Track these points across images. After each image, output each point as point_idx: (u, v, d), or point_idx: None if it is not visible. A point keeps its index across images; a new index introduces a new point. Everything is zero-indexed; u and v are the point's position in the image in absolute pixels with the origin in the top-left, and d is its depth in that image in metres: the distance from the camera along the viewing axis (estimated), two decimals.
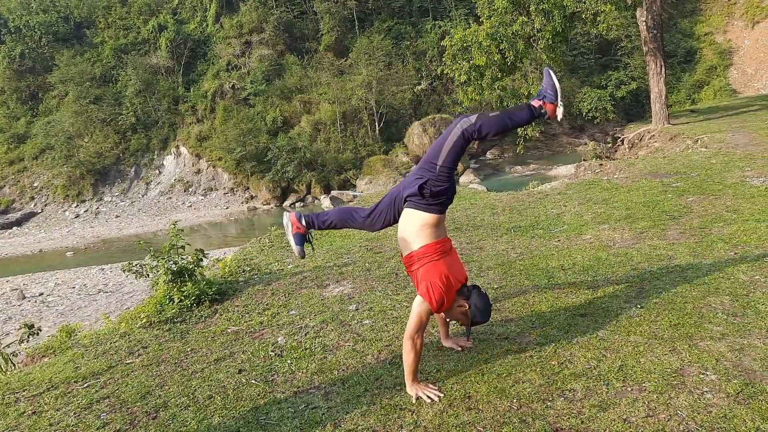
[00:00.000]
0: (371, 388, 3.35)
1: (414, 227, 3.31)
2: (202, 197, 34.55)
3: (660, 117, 19.83)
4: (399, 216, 3.49)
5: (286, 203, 31.65)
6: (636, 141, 20.43)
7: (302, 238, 3.72)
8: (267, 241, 8.27)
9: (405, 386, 3.25)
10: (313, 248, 3.92)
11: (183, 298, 5.31)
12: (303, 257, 3.76)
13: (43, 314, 13.75)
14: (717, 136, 14.28)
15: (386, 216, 3.55)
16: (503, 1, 17.47)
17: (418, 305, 3.20)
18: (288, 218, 3.75)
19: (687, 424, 2.67)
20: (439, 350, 3.75)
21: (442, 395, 3.16)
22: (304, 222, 3.72)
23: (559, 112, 3.32)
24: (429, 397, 3.14)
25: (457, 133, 3.29)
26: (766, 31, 36.40)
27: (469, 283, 3.40)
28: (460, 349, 3.72)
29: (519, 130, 20.23)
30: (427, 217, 3.30)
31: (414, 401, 3.13)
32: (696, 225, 6.17)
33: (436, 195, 3.28)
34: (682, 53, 38.43)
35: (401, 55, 38.12)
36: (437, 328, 3.94)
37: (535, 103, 3.37)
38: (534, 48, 18.37)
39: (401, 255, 3.46)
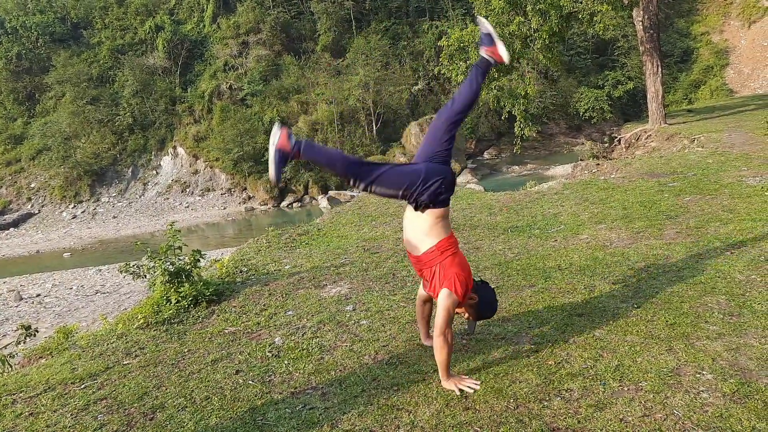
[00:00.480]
0: (368, 388, 3.35)
1: (426, 223, 3.26)
2: (200, 198, 34.53)
3: (657, 117, 19.86)
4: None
5: (284, 204, 31.65)
6: (633, 141, 20.45)
7: (285, 159, 3.21)
8: (264, 241, 8.26)
9: (402, 385, 3.26)
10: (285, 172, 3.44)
11: (180, 298, 5.30)
12: (277, 183, 3.47)
13: (40, 315, 13.73)
14: (713, 136, 14.30)
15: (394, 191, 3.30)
16: (500, 2, 17.47)
17: (445, 299, 3.15)
18: (278, 131, 3.22)
19: (683, 423, 2.67)
20: None
21: (479, 384, 3.21)
22: (293, 142, 3.20)
23: (501, 51, 3.48)
24: (470, 387, 3.18)
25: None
26: (763, 30, 36.50)
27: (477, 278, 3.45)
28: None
29: (516, 130, 20.28)
30: (436, 211, 3.27)
31: (458, 394, 3.14)
32: (692, 225, 6.18)
33: (433, 199, 3.24)
34: (678, 53, 38.56)
35: (398, 55, 38.17)
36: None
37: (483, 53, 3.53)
38: (531, 48, 18.39)
39: (409, 254, 3.40)
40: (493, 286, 3.40)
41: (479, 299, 3.35)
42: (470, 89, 3.45)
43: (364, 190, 3.28)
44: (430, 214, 3.26)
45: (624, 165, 11.55)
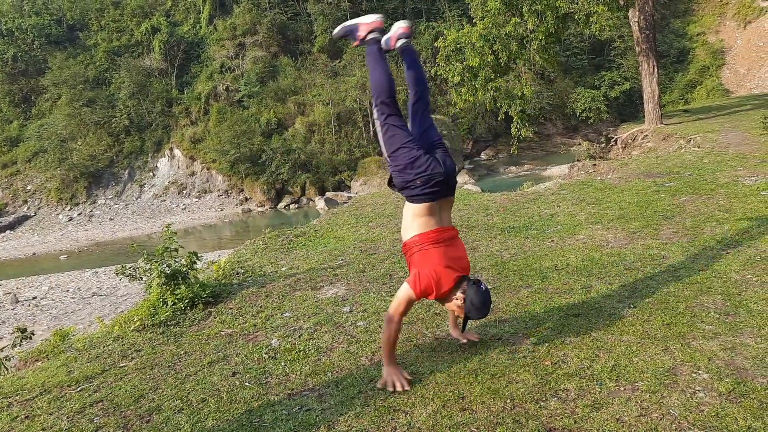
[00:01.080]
0: (365, 389, 3.34)
1: (407, 217, 3.38)
2: (197, 199, 34.49)
3: (653, 117, 19.90)
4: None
5: (281, 205, 31.64)
6: (629, 141, 20.50)
7: (351, 34, 3.64)
8: (261, 243, 8.26)
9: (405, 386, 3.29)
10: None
11: (176, 300, 5.29)
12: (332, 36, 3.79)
13: (36, 318, 13.68)
14: (709, 136, 14.34)
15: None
16: (496, 3, 17.51)
17: (403, 291, 3.30)
18: (373, 21, 3.60)
19: (679, 422, 2.68)
20: (432, 351, 3.75)
21: (407, 389, 3.23)
22: (369, 37, 3.56)
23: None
24: (393, 384, 3.24)
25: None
26: (758, 30, 36.60)
27: (473, 277, 3.40)
28: (465, 341, 3.73)
29: (513, 130, 20.33)
30: (414, 207, 3.33)
31: (379, 385, 3.29)
32: (689, 224, 6.19)
33: (404, 187, 3.32)
34: (674, 53, 38.64)
35: (395, 56, 38.12)
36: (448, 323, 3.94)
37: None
38: (527, 49, 18.42)
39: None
40: (488, 287, 3.34)
41: (465, 299, 3.28)
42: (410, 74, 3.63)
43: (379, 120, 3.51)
44: (409, 208, 3.36)
45: (620, 165, 11.57)
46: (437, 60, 19.77)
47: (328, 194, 30.01)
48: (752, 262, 4.70)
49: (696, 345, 3.41)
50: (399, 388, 3.22)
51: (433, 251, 3.27)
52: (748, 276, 4.42)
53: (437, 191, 3.28)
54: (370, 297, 5.11)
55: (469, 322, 3.59)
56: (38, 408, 3.69)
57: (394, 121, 3.39)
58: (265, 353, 4.11)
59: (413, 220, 3.33)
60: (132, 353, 4.52)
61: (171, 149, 37.17)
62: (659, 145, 17.02)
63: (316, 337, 4.30)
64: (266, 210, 31.70)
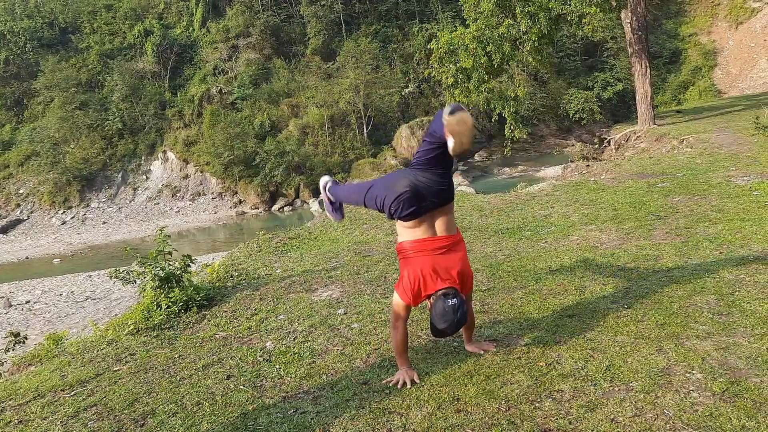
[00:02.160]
0: (360, 392, 3.34)
1: (398, 225, 3.41)
2: (190, 202, 34.38)
3: (646, 118, 19.97)
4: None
5: (275, 207, 31.59)
6: (622, 142, 20.57)
7: (333, 206, 4.16)
8: (255, 245, 8.24)
9: (393, 388, 3.31)
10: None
11: (170, 304, 5.27)
12: (338, 220, 4.40)
13: (29, 322, 13.62)
14: (702, 137, 14.41)
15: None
16: (489, 4, 17.56)
17: (396, 299, 3.40)
18: (325, 183, 4.18)
19: (674, 422, 2.68)
20: (427, 353, 3.76)
21: (416, 382, 3.32)
22: (331, 195, 4.09)
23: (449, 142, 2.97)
24: (404, 380, 3.33)
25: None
26: (750, 31, 36.82)
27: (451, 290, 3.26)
28: (482, 353, 3.63)
29: (506, 132, 20.37)
30: (401, 221, 3.37)
31: (386, 381, 3.39)
32: (682, 225, 6.22)
33: (391, 216, 3.35)
34: (667, 54, 38.85)
35: (388, 58, 38.22)
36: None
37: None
38: (520, 50, 18.48)
39: None
40: (457, 304, 3.13)
41: (431, 306, 3.24)
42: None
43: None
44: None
45: (614, 166, 11.60)
46: (430, 62, 19.79)
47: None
48: (745, 262, 4.72)
49: (690, 345, 3.42)
50: (408, 385, 3.31)
51: (417, 259, 3.27)
52: (741, 276, 4.45)
53: (415, 210, 3.22)
54: (365, 299, 5.11)
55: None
56: (32, 413, 3.67)
57: (341, 191, 3.99)
58: (260, 356, 4.10)
59: (401, 228, 3.36)
60: (126, 357, 4.50)
61: (164, 152, 37.04)
62: (652, 145, 17.08)
63: (311, 340, 4.29)
64: (260, 212, 31.64)
